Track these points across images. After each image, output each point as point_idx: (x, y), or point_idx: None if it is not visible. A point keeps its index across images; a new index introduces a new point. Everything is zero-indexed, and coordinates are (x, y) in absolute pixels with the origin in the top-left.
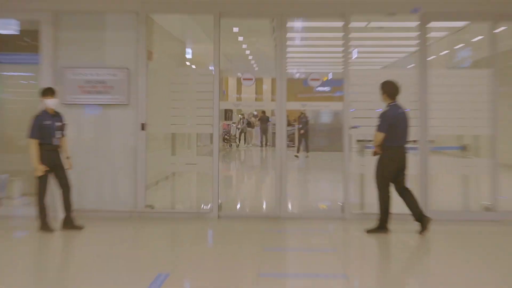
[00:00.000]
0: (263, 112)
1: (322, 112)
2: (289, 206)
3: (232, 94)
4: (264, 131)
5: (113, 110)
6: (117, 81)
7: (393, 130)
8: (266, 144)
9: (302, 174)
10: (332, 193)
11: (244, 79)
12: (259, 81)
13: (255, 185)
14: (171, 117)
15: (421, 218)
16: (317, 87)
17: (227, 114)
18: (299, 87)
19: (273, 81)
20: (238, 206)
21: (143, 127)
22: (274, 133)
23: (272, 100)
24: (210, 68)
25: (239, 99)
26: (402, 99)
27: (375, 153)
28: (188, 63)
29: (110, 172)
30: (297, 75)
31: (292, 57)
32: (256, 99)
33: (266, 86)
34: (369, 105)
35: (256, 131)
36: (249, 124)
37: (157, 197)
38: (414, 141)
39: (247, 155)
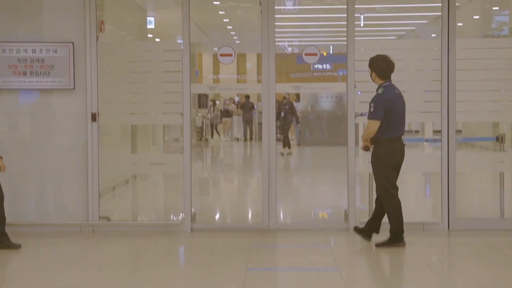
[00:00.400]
0: (247, 97)
1: (321, 96)
2: (281, 215)
3: (207, 75)
4: (247, 122)
5: (55, 96)
6: (58, 59)
7: (390, 116)
8: (251, 138)
9: (296, 174)
10: (334, 198)
11: (221, 55)
12: (241, 58)
13: (238, 190)
14: (130, 104)
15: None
16: (314, 64)
17: (201, 100)
18: (292, 65)
19: (259, 57)
20: (217, 216)
21: (94, 117)
22: (260, 124)
23: (258, 81)
24: (179, 41)
25: (216, 80)
26: (423, 78)
27: (365, 148)
28: (150, 36)
29: (54, 176)
30: (289, 50)
31: (282, 26)
32: (237, 81)
33: (250, 64)
34: None
35: (237, 122)
36: (227, 113)
37: (114, 206)
38: (438, 131)
39: (227, 152)
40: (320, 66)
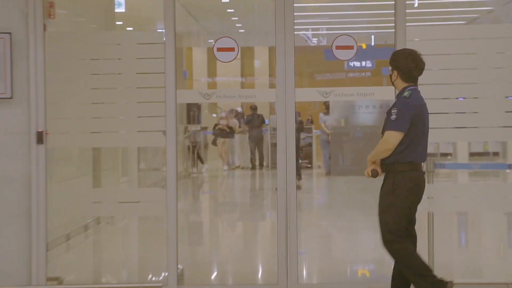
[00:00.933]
0: (253, 108)
1: (359, 105)
2: (303, 272)
3: (199, 77)
4: (256, 142)
5: None
6: None
7: (416, 132)
8: (260, 165)
9: (324, 216)
10: (379, 248)
11: (219, 49)
12: (247, 53)
13: (243, 237)
14: (92, 119)
15: None
16: (350, 61)
17: (191, 113)
18: (318, 62)
19: (272, 52)
20: (213, 274)
21: (40, 138)
22: (274, 145)
23: (271, 86)
24: (159, 30)
25: (211, 85)
26: (505, 79)
27: (373, 173)
28: (120, 23)
29: None
30: (314, 41)
31: (304, 8)
32: (242, 85)
33: (260, 62)
34: (444, 91)
35: (240, 142)
36: (224, 132)
37: (69, 263)
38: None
39: (227, 184)
40: (357, 64)
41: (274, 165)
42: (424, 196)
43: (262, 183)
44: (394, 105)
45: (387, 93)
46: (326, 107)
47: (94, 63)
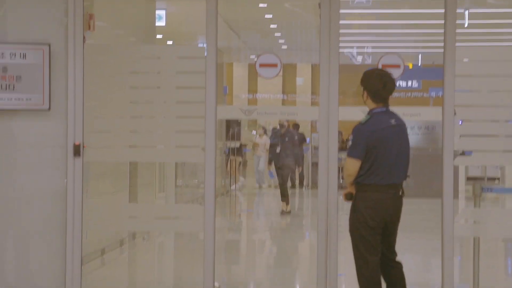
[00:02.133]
0: (294, 125)
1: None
2: None
3: (240, 93)
4: (295, 159)
5: (21, 119)
6: (28, 68)
7: (376, 157)
8: (301, 184)
9: None
10: (421, 273)
11: (262, 65)
12: (289, 70)
13: (281, 257)
14: (129, 133)
15: None
16: (396, 80)
17: (231, 129)
18: None
19: (315, 69)
20: None
21: (77, 151)
22: (315, 164)
23: (313, 104)
24: (200, 45)
25: (252, 101)
26: None
27: (347, 197)
28: (160, 37)
29: (16, 234)
30: (358, 60)
31: (349, 25)
32: (283, 102)
33: (303, 80)
34: (493, 113)
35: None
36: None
37: (103, 278)
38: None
39: (267, 203)
40: (403, 84)
41: (314, 185)
42: (470, 221)
43: (302, 202)
44: (352, 130)
45: (434, 114)
46: None
47: (133, 76)
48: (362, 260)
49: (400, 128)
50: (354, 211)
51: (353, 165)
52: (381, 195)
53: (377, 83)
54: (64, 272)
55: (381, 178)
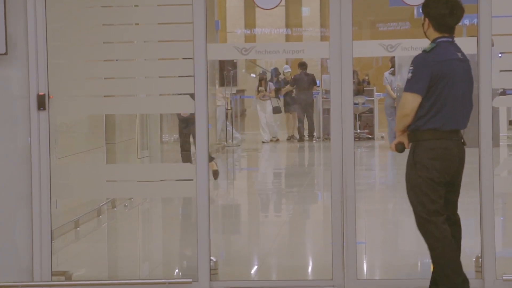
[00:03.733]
0: (302, 65)
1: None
2: (363, 266)
3: (235, 29)
4: (304, 108)
5: None
6: None
7: (439, 94)
8: (310, 135)
9: (386, 198)
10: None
11: None
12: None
13: (288, 224)
14: (103, 81)
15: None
16: (420, 6)
17: (225, 73)
18: (381, 9)
19: None
20: (253, 268)
21: (42, 102)
22: (327, 111)
23: (323, 39)
24: None
25: (250, 38)
26: None
27: (397, 147)
28: None
29: None
30: None
31: None
32: (287, 38)
33: (309, 10)
34: None
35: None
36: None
37: (78, 255)
38: None
39: (269, 160)
40: None
41: (326, 136)
42: None
43: (312, 158)
44: (412, 61)
45: (467, 45)
46: (392, 64)
47: (105, 10)
48: (429, 223)
49: (466, 64)
50: (413, 165)
51: (412, 101)
52: (446, 143)
53: (442, 9)
54: (31, 248)
55: (445, 122)
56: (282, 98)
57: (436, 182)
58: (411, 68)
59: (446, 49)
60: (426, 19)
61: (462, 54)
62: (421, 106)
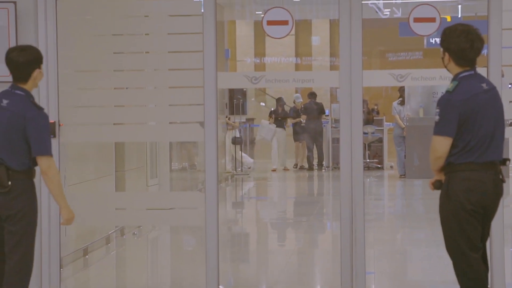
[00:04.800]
0: (312, 94)
1: (440, 91)
2: None
3: (245, 57)
4: (314, 137)
5: None
6: None
7: (469, 130)
8: (320, 165)
9: (396, 227)
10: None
11: (270, 23)
12: (303, 28)
13: (298, 253)
14: (113, 109)
15: None
16: (430, 36)
17: (235, 101)
18: (391, 39)
19: (334, 26)
20: None
21: (52, 130)
22: (336, 140)
23: (332, 68)
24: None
25: (259, 67)
26: None
27: (435, 185)
28: None
29: None
30: (386, 13)
31: None
32: (296, 67)
33: (319, 39)
34: None
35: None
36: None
37: (87, 284)
38: None
39: (279, 189)
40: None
41: (335, 165)
42: None
43: (322, 187)
44: (438, 102)
45: None
46: (401, 94)
47: (116, 39)
48: (462, 257)
49: (493, 92)
50: (447, 197)
51: (443, 145)
52: (480, 175)
53: (462, 43)
54: (40, 276)
55: (479, 155)
56: (291, 127)
57: (469, 213)
58: (438, 110)
59: (470, 84)
60: (446, 54)
61: (487, 83)
62: (453, 145)
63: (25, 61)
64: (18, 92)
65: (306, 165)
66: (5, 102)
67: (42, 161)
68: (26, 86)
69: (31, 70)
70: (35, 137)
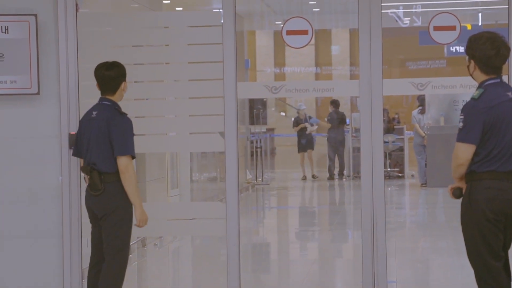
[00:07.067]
0: (334, 102)
1: (461, 99)
2: None
3: (264, 67)
4: (335, 146)
5: (5, 107)
6: (11, 44)
7: (493, 138)
8: (341, 174)
9: (417, 236)
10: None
11: (289, 32)
12: (322, 38)
13: (319, 262)
14: (134, 119)
15: None
16: (451, 45)
17: (255, 111)
18: (411, 47)
19: (353, 36)
20: None
21: (73, 142)
22: (357, 150)
23: (352, 77)
24: (216, 10)
25: (279, 76)
26: None
27: (455, 194)
28: (167, 2)
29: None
30: (406, 21)
31: None
32: (316, 77)
33: (338, 48)
34: None
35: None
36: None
37: None
38: None
39: (300, 199)
40: (460, 49)
41: (356, 175)
42: None
43: (343, 196)
44: (462, 110)
45: None
46: (421, 103)
47: (136, 50)
48: (484, 266)
49: None
50: (468, 205)
51: (466, 152)
52: (502, 184)
53: (488, 50)
54: (61, 281)
55: (502, 164)
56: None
57: (492, 223)
58: (461, 117)
59: (495, 92)
60: (472, 61)
61: (510, 93)
62: (476, 153)
63: (116, 76)
64: (105, 102)
65: (318, 174)
66: (94, 113)
67: (121, 160)
68: (113, 97)
69: (120, 82)
70: (117, 138)
